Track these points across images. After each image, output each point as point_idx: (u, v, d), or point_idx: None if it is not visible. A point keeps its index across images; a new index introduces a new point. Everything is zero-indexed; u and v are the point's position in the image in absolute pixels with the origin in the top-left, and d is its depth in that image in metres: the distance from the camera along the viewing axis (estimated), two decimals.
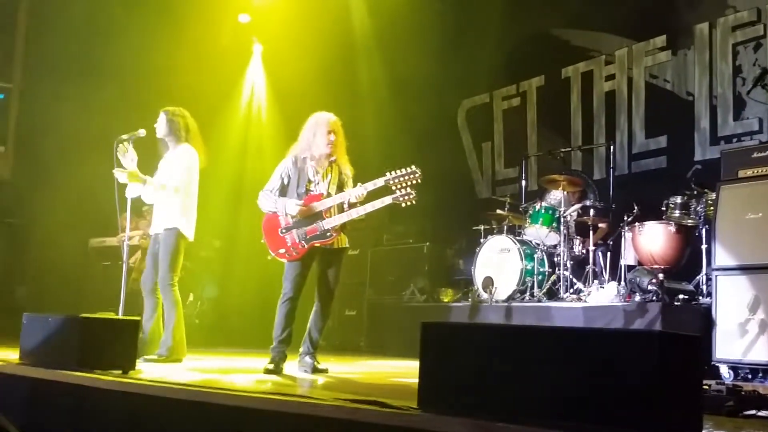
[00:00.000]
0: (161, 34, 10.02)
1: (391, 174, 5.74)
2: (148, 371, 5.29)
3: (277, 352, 5.76)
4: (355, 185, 5.88)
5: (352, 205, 5.76)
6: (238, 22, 11.33)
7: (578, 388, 2.72)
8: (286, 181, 5.98)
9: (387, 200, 5.73)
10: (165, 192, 6.43)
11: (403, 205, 5.74)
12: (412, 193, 5.68)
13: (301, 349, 5.95)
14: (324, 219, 5.81)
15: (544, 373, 2.82)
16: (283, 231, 5.87)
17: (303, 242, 5.81)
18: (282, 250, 5.88)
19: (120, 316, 5.87)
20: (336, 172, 5.99)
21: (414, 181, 5.69)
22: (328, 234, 5.81)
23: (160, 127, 6.56)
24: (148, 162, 6.65)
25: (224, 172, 10.74)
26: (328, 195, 5.88)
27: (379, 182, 5.74)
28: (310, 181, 5.93)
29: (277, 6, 10.76)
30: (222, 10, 10.78)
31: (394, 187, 5.73)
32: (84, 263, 9.34)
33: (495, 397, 2.95)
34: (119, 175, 6.34)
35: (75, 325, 5.03)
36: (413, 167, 5.72)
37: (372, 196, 5.82)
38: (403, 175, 5.70)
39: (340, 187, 5.96)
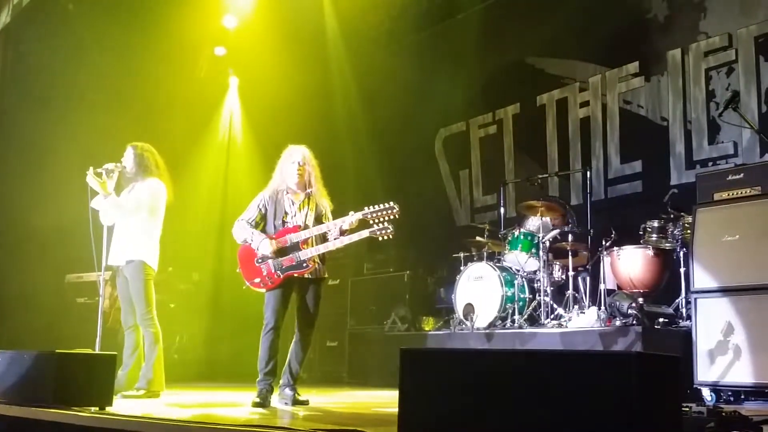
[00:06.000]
0: (137, 67, 10.02)
1: (369, 209, 5.75)
2: (126, 406, 5.21)
3: (263, 385, 5.72)
4: (333, 208, 5.96)
5: (343, 232, 5.77)
6: (215, 55, 11.34)
7: (558, 411, 2.70)
8: (263, 212, 6.01)
9: (364, 233, 5.74)
10: (127, 218, 6.39)
11: (380, 239, 5.76)
12: (389, 228, 5.71)
13: (281, 381, 5.90)
14: (301, 250, 5.81)
15: (523, 397, 2.80)
16: (259, 261, 5.86)
17: (279, 272, 5.81)
18: (257, 280, 5.87)
19: (96, 352, 5.80)
20: (313, 204, 6.02)
21: (391, 216, 5.72)
22: (305, 264, 5.81)
23: (128, 161, 6.55)
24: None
25: (201, 204, 10.71)
26: (305, 227, 5.89)
27: (356, 216, 5.75)
28: (286, 213, 5.94)
29: (253, 39, 10.78)
30: (198, 42, 10.79)
31: (371, 221, 5.74)
32: (60, 299, 9.23)
33: (475, 421, 2.93)
34: (91, 181, 6.28)
35: (50, 361, 4.95)
36: (391, 203, 5.74)
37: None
38: (381, 210, 5.72)
39: (318, 219, 5.98)
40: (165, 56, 10.09)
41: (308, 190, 6.03)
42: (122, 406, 5.25)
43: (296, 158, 6.01)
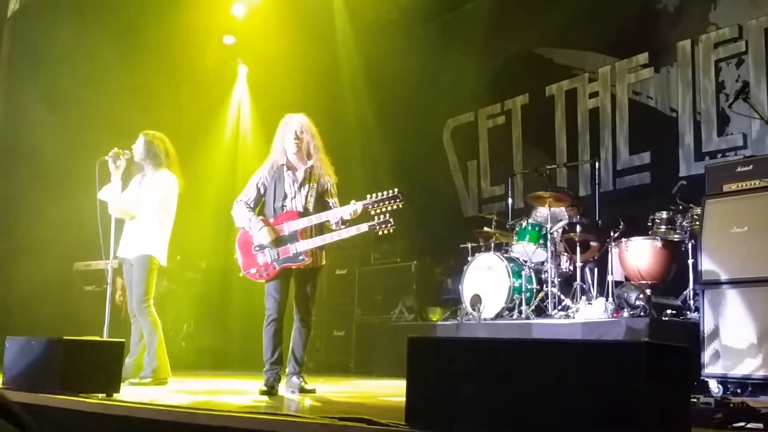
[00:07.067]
0: (146, 56, 10.01)
1: (371, 197, 5.52)
2: (133, 393, 5.23)
3: (270, 374, 5.67)
4: (339, 196, 5.79)
5: (344, 221, 5.58)
6: (223, 44, 11.32)
7: (566, 401, 2.70)
8: (262, 191, 5.85)
9: (363, 227, 5.53)
10: (141, 216, 6.39)
11: (380, 233, 5.56)
12: (390, 221, 5.47)
13: (287, 369, 5.87)
14: (298, 240, 5.66)
15: (531, 386, 2.79)
16: (257, 248, 5.74)
17: (275, 263, 5.69)
18: (253, 270, 5.76)
19: (104, 339, 5.81)
20: (315, 180, 5.82)
21: (395, 206, 5.48)
22: (300, 258, 5.66)
23: (138, 149, 6.52)
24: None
25: (210, 193, 10.71)
26: (305, 210, 5.74)
27: (358, 206, 5.53)
28: (286, 195, 5.77)
29: (262, 28, 10.76)
30: (207, 31, 10.77)
31: (372, 212, 5.52)
32: (68, 287, 9.25)
33: (482, 411, 2.92)
34: (105, 192, 6.30)
35: (58, 347, 4.96)
36: (395, 190, 5.51)
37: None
38: (383, 200, 5.49)
39: (320, 198, 5.81)
40: (173, 45, 10.08)
41: (309, 164, 5.82)
42: (129, 393, 5.27)
43: (293, 127, 5.80)
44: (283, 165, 5.84)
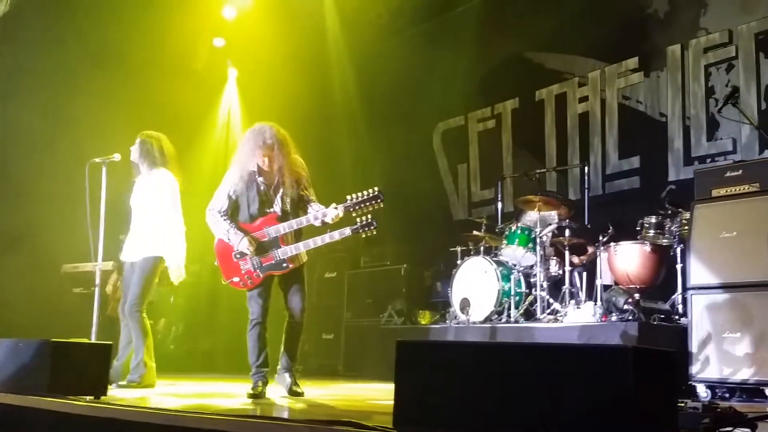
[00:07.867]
0: (136, 58, 9.98)
1: (351, 198, 5.43)
2: (122, 396, 5.21)
3: (258, 377, 5.65)
4: (328, 201, 5.66)
5: (324, 223, 5.53)
6: (213, 46, 11.31)
7: (553, 405, 2.70)
8: (234, 198, 5.72)
9: (346, 231, 5.47)
10: (146, 219, 6.36)
11: (363, 236, 5.51)
12: (372, 223, 5.40)
13: (279, 365, 5.84)
14: (280, 247, 5.61)
15: (519, 390, 2.80)
16: (237, 256, 5.65)
17: (258, 271, 5.64)
18: (236, 279, 5.70)
19: (92, 341, 5.79)
20: (289, 182, 5.69)
21: (377, 206, 5.41)
22: (284, 265, 5.62)
23: (134, 151, 6.49)
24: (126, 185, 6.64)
25: (200, 196, 10.67)
26: (284, 213, 5.67)
27: (340, 210, 5.45)
28: (262, 201, 5.68)
29: (252, 30, 10.75)
30: (197, 34, 10.75)
31: (354, 214, 5.45)
32: (57, 289, 9.21)
33: (470, 415, 2.93)
34: None
35: (46, 349, 4.95)
36: (376, 190, 5.40)
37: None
38: (364, 201, 5.40)
39: (296, 195, 5.73)
40: (163, 47, 10.06)
41: (280, 172, 5.65)
42: (117, 395, 5.25)
43: (264, 141, 5.61)
44: (253, 171, 5.70)
